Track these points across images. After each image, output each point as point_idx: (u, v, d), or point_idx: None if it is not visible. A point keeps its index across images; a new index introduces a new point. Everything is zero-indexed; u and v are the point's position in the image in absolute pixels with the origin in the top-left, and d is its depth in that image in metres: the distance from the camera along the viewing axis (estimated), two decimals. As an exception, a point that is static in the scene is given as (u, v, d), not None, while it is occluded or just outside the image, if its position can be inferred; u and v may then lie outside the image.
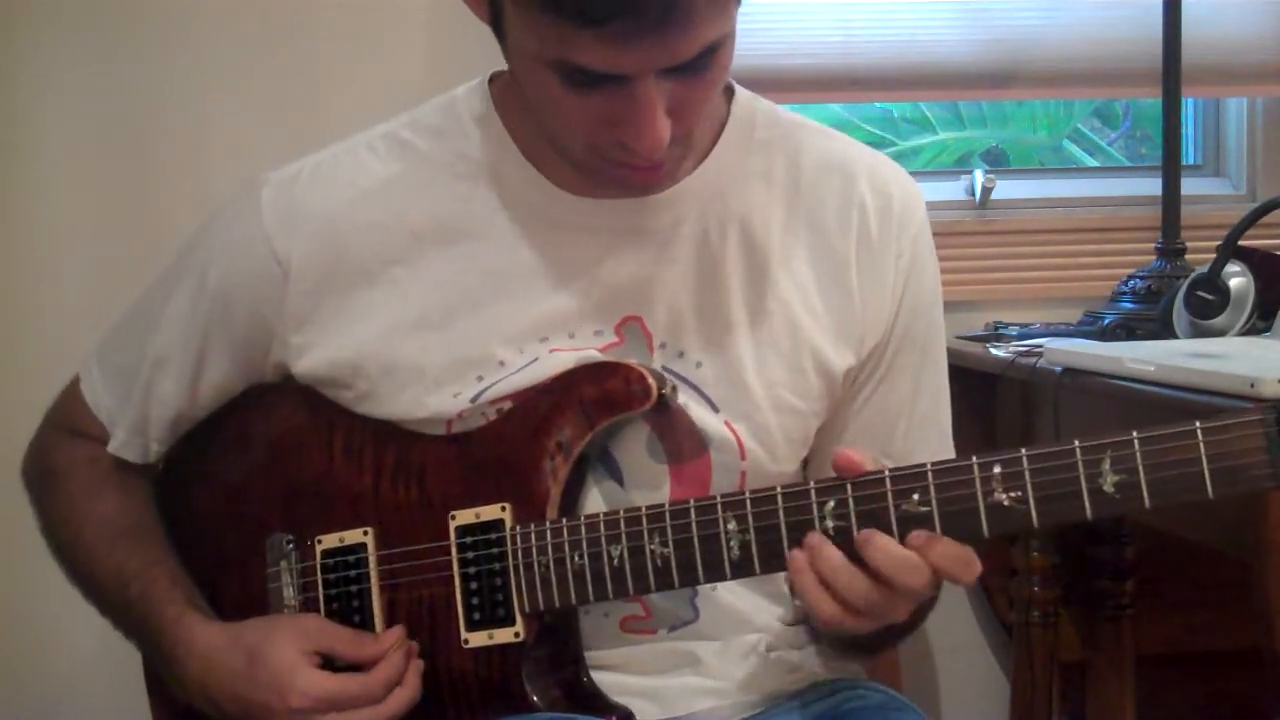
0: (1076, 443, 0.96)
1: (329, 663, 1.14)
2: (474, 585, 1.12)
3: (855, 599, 1.00)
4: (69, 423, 1.30)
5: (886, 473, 1.01)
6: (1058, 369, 1.62)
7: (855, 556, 1.00)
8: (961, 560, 1.00)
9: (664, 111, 1.01)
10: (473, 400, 1.14)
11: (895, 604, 1.01)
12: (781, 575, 1.15)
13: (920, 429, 1.23)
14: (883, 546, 0.99)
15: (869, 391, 1.21)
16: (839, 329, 1.18)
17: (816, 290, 1.17)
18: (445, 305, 1.15)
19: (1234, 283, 1.69)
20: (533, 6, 0.97)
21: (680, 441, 1.15)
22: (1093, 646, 1.99)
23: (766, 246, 1.17)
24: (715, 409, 1.15)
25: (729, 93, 1.20)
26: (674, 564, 1.06)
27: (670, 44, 0.97)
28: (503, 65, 1.12)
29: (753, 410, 1.16)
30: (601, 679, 1.15)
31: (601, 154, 1.07)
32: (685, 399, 1.15)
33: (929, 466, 1.00)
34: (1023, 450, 0.98)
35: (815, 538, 1.01)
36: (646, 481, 1.16)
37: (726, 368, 1.16)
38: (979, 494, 0.99)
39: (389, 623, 1.15)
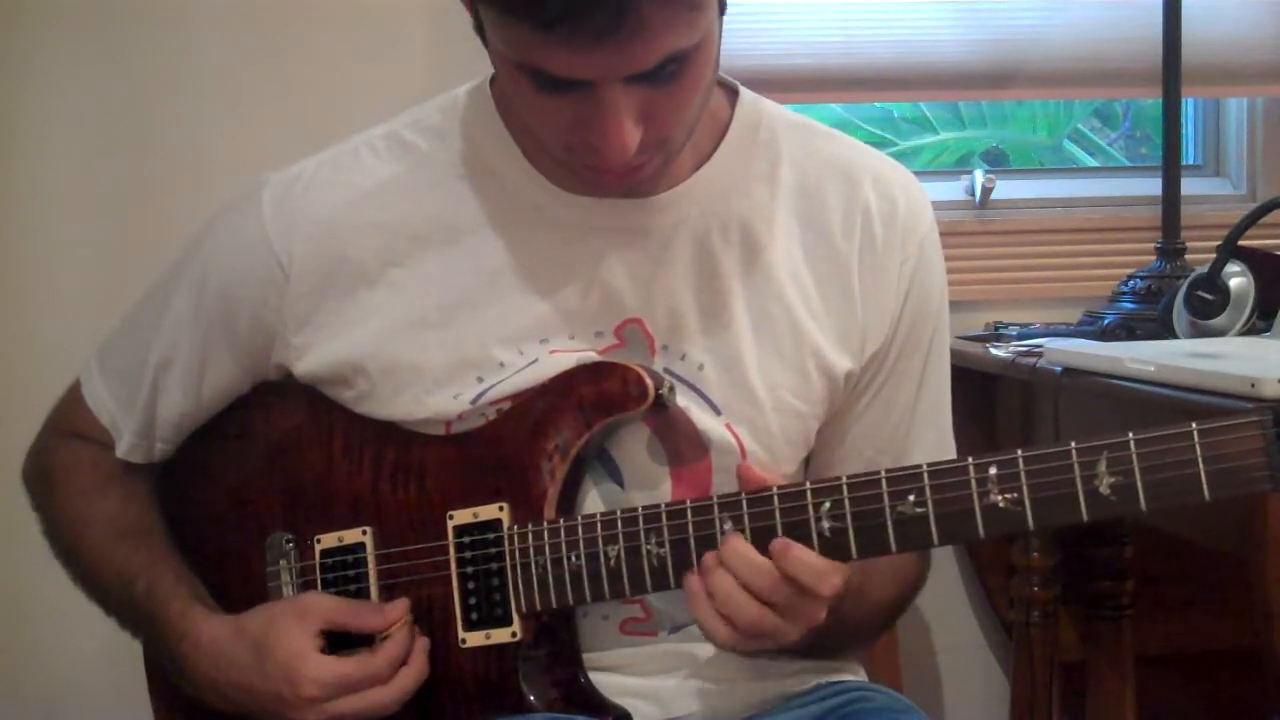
0: (1073, 444, 0.96)
1: (334, 637, 1.14)
2: (471, 585, 1.13)
3: (744, 622, 1.02)
4: (70, 426, 1.30)
5: (883, 474, 1.01)
6: (1058, 369, 1.62)
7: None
8: (814, 571, 1.02)
9: (634, 118, 1.01)
10: (473, 402, 1.14)
11: (781, 627, 1.03)
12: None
13: (920, 432, 1.23)
14: (759, 563, 1.02)
15: (871, 395, 1.21)
16: (840, 332, 1.18)
17: (817, 293, 1.17)
18: (445, 305, 1.15)
19: (1234, 283, 1.69)
20: (494, 11, 0.97)
21: (681, 443, 1.15)
22: (1093, 646, 1.99)
23: (768, 248, 1.17)
24: (717, 411, 1.15)
25: (733, 94, 1.20)
26: (670, 565, 1.06)
27: (625, 51, 0.96)
28: (504, 66, 1.13)
29: (755, 413, 1.15)
30: (602, 680, 1.15)
31: (576, 156, 1.07)
32: (686, 402, 1.15)
33: (925, 468, 1.00)
34: (1018, 451, 0.98)
35: (710, 558, 1.04)
36: (647, 483, 1.16)
37: (729, 370, 1.15)
38: (975, 495, 0.99)
39: (394, 666, 1.14)
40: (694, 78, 1.02)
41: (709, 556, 1.04)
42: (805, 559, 1.02)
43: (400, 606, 1.14)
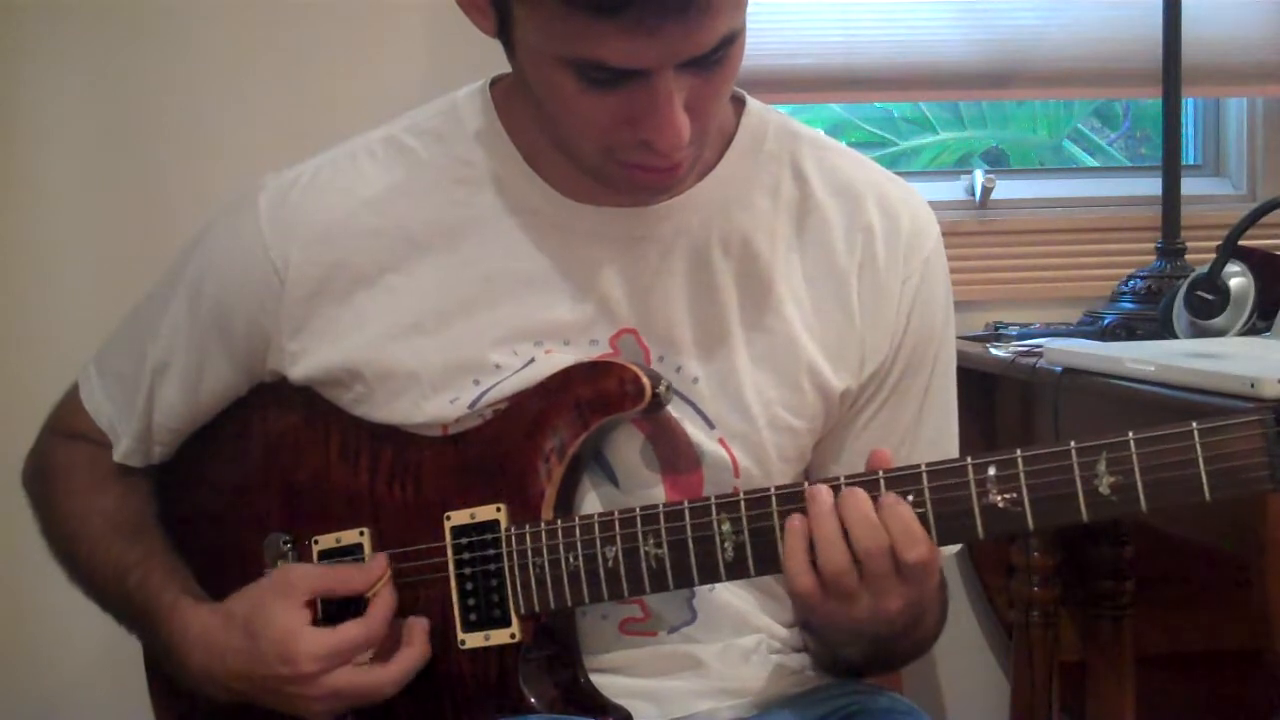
0: (1072, 444, 0.96)
1: (324, 609, 1.14)
2: (469, 586, 1.12)
3: (828, 571, 1.00)
4: (68, 428, 1.30)
5: (881, 474, 1.01)
6: (1058, 369, 1.62)
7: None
8: (908, 532, 0.99)
9: (682, 108, 1.01)
10: (470, 405, 1.14)
11: (858, 593, 1.00)
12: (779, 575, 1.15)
13: (923, 455, 1.21)
14: (858, 506, 1.00)
15: (870, 414, 1.20)
16: (837, 349, 1.17)
17: (815, 309, 1.16)
18: (440, 310, 1.14)
19: (1234, 283, 1.69)
20: (549, 4, 0.96)
21: (674, 453, 1.15)
22: (1093, 646, 1.98)
23: (768, 262, 1.16)
24: (710, 425, 1.15)
25: (740, 104, 1.19)
26: (668, 565, 1.06)
27: (691, 32, 0.96)
28: (505, 67, 1.12)
29: (748, 428, 1.15)
30: (602, 681, 1.15)
31: (618, 156, 1.06)
32: (680, 415, 1.14)
33: (923, 468, 1.00)
34: (1018, 451, 0.98)
35: (824, 497, 1.01)
36: (641, 490, 1.15)
37: (723, 384, 1.15)
38: (973, 495, 0.98)
39: (387, 623, 1.15)
40: (734, 63, 1.03)
41: (825, 501, 1.01)
42: (905, 516, 0.99)
43: (380, 561, 1.14)
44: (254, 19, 1.95)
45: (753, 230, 1.16)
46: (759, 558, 1.04)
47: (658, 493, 1.15)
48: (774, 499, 1.03)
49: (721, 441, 1.15)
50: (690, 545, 1.05)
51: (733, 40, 1.00)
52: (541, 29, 0.99)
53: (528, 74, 1.06)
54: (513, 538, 1.11)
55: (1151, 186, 2.00)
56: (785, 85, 2.04)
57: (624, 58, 0.97)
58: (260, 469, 1.23)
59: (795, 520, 1.02)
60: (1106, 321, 1.88)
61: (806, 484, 1.03)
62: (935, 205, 1.23)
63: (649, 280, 1.15)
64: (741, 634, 1.20)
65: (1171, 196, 1.91)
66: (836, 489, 1.01)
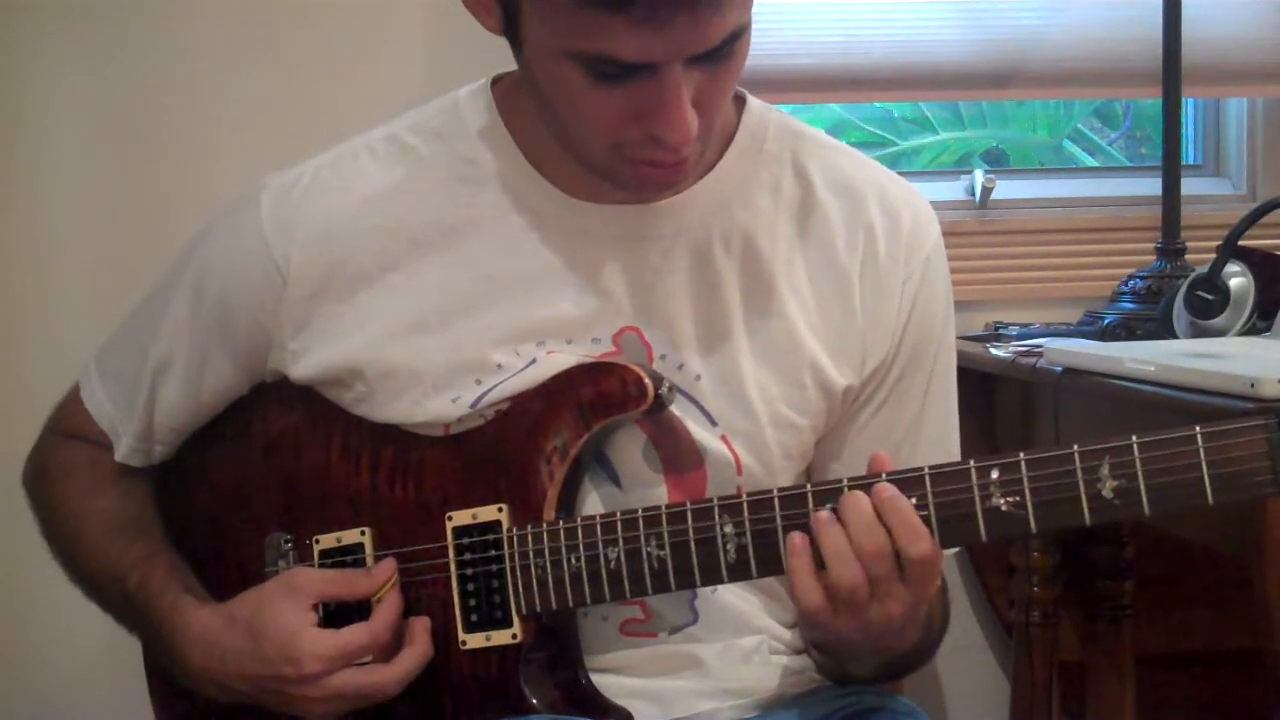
0: (1075, 447, 0.96)
1: (328, 613, 1.14)
2: (471, 587, 1.12)
3: (842, 586, 0.99)
4: (69, 428, 1.29)
5: (884, 477, 1.01)
6: (1058, 369, 1.62)
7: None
8: (910, 527, 0.99)
9: (690, 102, 1.01)
10: (472, 405, 1.14)
11: (867, 605, 1.00)
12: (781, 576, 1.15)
13: (925, 453, 1.20)
14: (861, 506, 1.00)
15: (870, 412, 1.20)
16: (840, 347, 1.17)
17: (817, 307, 1.16)
18: (441, 309, 1.14)
19: (1234, 283, 1.69)
20: None
21: (676, 452, 1.15)
22: (1093, 646, 1.99)
23: (770, 260, 1.16)
24: (713, 423, 1.15)
25: (740, 102, 1.19)
26: (670, 567, 1.06)
27: (700, 26, 0.97)
28: (505, 66, 1.12)
29: (751, 426, 1.15)
30: (603, 681, 1.15)
31: (625, 153, 1.06)
32: (683, 413, 1.14)
33: (927, 470, 1.00)
34: (1021, 455, 0.98)
35: (824, 514, 1.00)
36: (643, 490, 1.15)
37: (726, 382, 1.15)
38: (976, 498, 0.99)
39: (392, 627, 1.15)
40: (741, 58, 1.03)
41: (824, 513, 1.00)
42: (905, 510, 0.99)
43: (388, 566, 1.14)
44: (254, 19, 1.95)
45: (754, 229, 1.16)
46: (761, 559, 1.04)
47: (660, 492, 1.15)
48: (776, 501, 1.03)
49: (724, 439, 1.15)
50: (692, 547, 1.05)
51: (740, 35, 1.01)
52: (549, 23, 0.99)
53: (534, 70, 1.06)
54: (514, 538, 1.11)
55: (1151, 186, 2.00)
56: (785, 85, 2.04)
57: (634, 51, 0.97)
58: (261, 468, 1.22)
59: (796, 539, 1.01)
60: (1106, 321, 1.88)
61: (809, 486, 1.03)
62: (935, 205, 1.24)
63: (651, 278, 1.15)
64: (743, 634, 1.20)
65: (1171, 196, 1.91)
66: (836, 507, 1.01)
